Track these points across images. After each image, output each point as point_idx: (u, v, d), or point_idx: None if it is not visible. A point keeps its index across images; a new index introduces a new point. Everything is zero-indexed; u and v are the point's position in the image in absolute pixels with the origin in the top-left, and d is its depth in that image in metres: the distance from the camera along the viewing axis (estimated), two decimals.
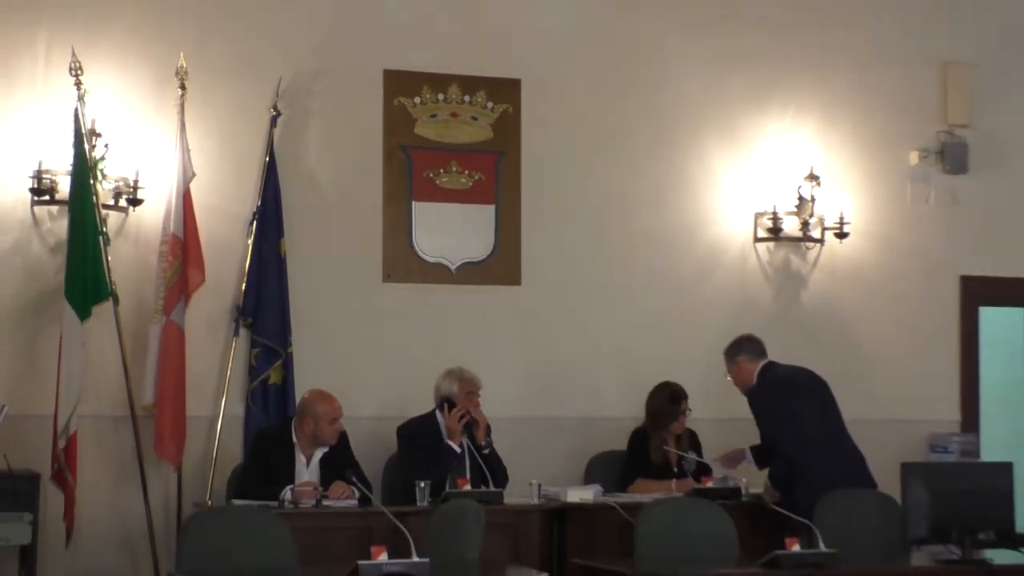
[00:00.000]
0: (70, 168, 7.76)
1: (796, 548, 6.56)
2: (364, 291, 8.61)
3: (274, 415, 8.18)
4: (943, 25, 9.77)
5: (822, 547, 6.59)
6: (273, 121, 8.37)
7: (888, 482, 7.64)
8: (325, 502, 7.46)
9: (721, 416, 8.73)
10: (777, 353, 8.14)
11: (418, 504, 7.51)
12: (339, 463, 7.62)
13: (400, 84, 8.72)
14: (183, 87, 8.07)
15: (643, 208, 9.10)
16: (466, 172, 8.82)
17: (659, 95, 9.18)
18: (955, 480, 7.19)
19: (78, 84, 7.80)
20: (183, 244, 7.98)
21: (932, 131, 9.68)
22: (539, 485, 7.94)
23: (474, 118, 8.86)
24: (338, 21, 8.65)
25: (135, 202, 8.06)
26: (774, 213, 9.18)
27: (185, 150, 8.04)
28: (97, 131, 7.89)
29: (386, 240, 8.66)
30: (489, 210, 8.85)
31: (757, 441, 8.05)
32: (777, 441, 7.82)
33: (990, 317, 9.91)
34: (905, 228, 9.60)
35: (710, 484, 8.09)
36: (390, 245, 8.66)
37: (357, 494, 7.32)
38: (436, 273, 8.74)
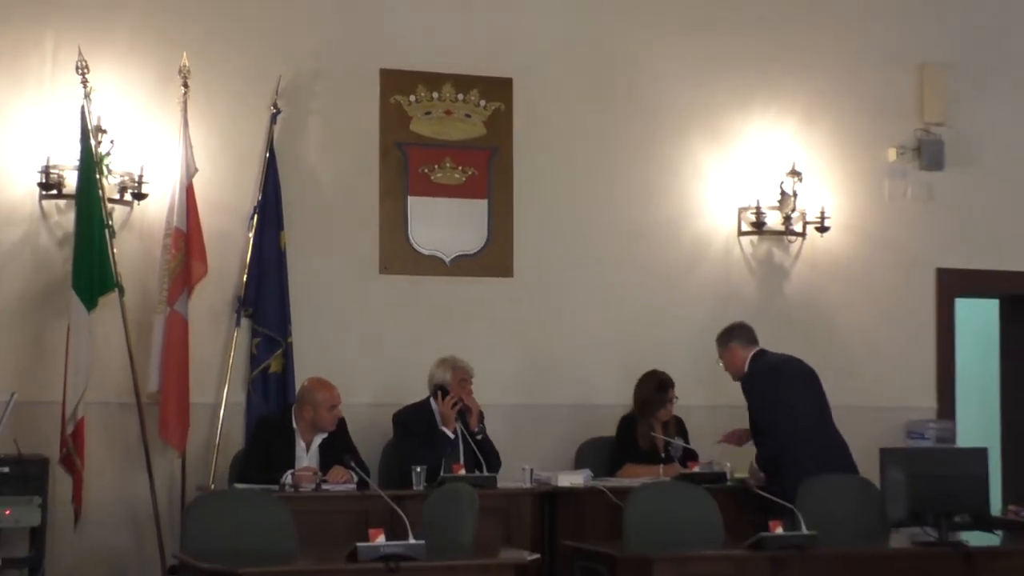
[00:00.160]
0: (77, 164, 7.76)
1: (779, 531, 6.57)
2: (361, 282, 8.60)
3: (274, 402, 8.17)
4: (919, 29, 9.77)
5: (804, 529, 6.61)
6: (273, 119, 8.35)
7: (867, 467, 7.67)
8: (324, 486, 7.47)
9: (707, 403, 8.77)
10: (761, 343, 8.14)
11: (414, 488, 7.52)
12: (338, 448, 7.62)
13: (396, 83, 8.71)
14: (186, 85, 8.05)
15: (631, 202, 9.09)
16: (460, 168, 8.81)
17: (647, 95, 9.17)
18: (932, 465, 7.22)
19: (84, 83, 7.79)
20: (186, 237, 7.97)
21: (909, 129, 9.67)
22: (531, 470, 7.95)
23: (467, 116, 8.85)
24: (336, 22, 8.63)
25: (140, 196, 8.05)
26: (757, 208, 9.18)
27: (188, 146, 8.03)
28: (103, 128, 7.87)
29: (383, 233, 8.65)
30: (482, 204, 8.84)
31: (742, 426, 8.06)
32: (769, 426, 7.78)
33: (965, 308, 9.93)
34: (883, 222, 9.61)
35: (696, 469, 8.11)
36: (386, 238, 8.65)
37: (355, 478, 7.32)
38: (431, 265, 8.73)
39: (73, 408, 7.58)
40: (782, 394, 7.83)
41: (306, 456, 7.73)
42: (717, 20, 9.30)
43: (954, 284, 9.72)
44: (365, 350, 8.51)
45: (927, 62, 9.70)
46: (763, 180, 9.25)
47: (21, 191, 7.95)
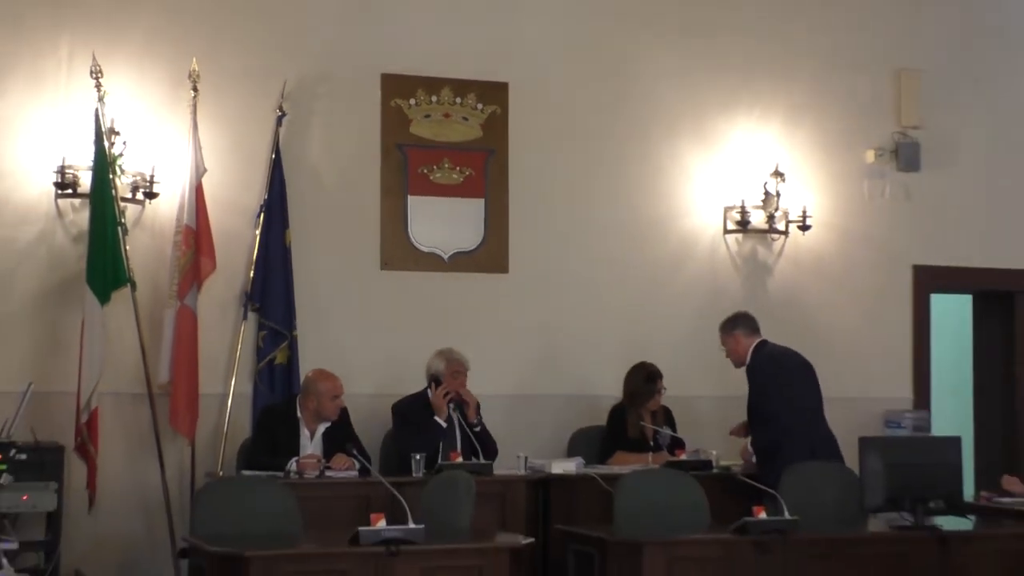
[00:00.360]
0: (91, 164, 7.75)
1: (763, 516, 6.57)
2: (363, 278, 8.60)
3: (280, 393, 8.16)
4: (896, 37, 9.78)
5: (787, 515, 6.60)
6: (279, 121, 8.36)
7: (847, 455, 7.68)
8: (328, 473, 7.47)
9: (692, 394, 8.79)
10: None
11: (414, 475, 7.52)
12: (340, 437, 7.62)
13: (397, 87, 8.71)
14: (195, 89, 8.06)
15: (621, 202, 9.10)
16: (457, 168, 8.81)
17: (636, 98, 9.18)
18: (908, 453, 7.22)
19: (98, 86, 7.79)
20: (195, 234, 7.97)
21: (887, 132, 9.69)
22: (526, 458, 7.95)
23: (465, 118, 8.85)
24: (340, 29, 8.63)
25: (151, 195, 8.05)
26: (742, 207, 9.19)
27: (197, 147, 8.03)
28: (116, 130, 7.87)
29: (383, 231, 8.65)
30: (479, 204, 8.85)
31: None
32: (771, 413, 7.74)
33: (940, 303, 9.95)
34: (863, 221, 9.62)
35: (683, 457, 8.11)
36: (387, 236, 8.65)
37: (357, 466, 7.33)
38: (430, 262, 8.73)
39: (87, 398, 7.58)
40: (783, 385, 7.82)
41: (310, 444, 7.73)
42: (704, 26, 9.31)
43: (930, 280, 9.74)
44: (366, 343, 8.51)
45: (904, 68, 9.72)
46: (748, 180, 9.26)
47: (37, 190, 7.94)
